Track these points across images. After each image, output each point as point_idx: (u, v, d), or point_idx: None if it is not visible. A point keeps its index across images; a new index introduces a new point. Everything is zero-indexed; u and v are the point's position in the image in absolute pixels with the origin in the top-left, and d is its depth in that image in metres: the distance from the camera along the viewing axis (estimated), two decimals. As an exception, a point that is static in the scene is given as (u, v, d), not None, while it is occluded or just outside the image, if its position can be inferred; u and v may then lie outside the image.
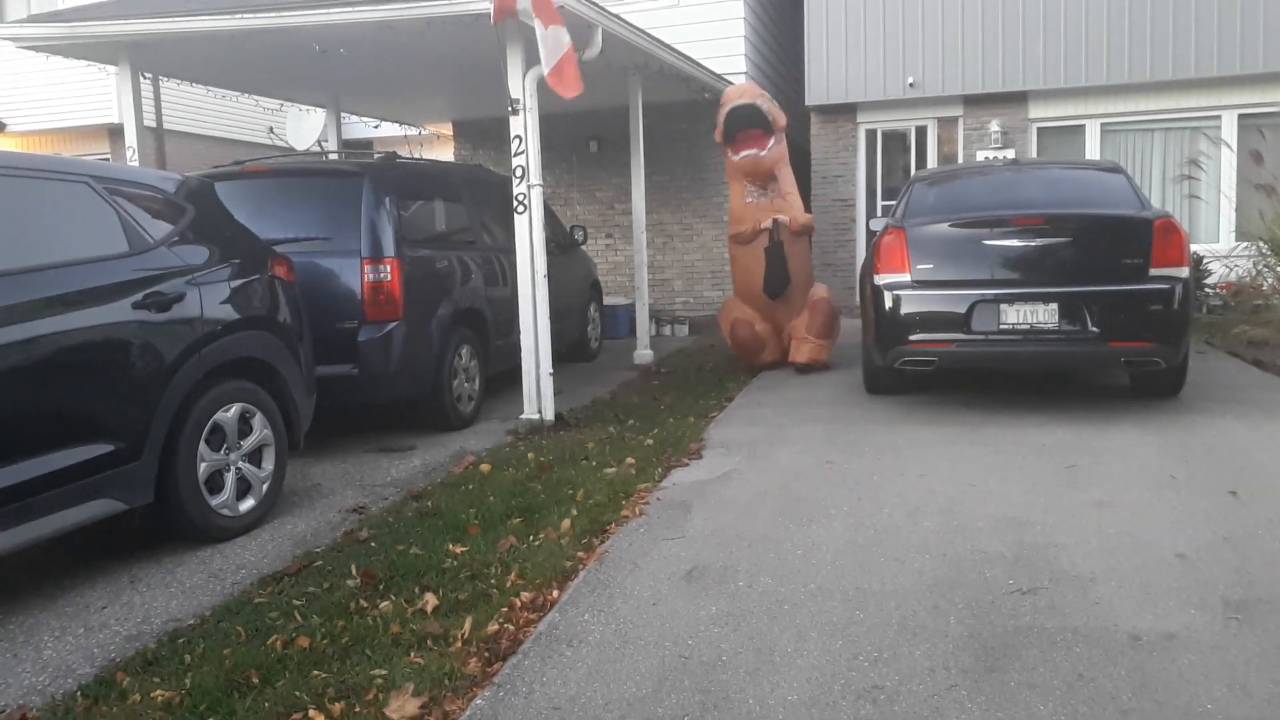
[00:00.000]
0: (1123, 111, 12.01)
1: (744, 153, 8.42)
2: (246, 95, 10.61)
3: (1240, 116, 11.68)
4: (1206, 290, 11.15)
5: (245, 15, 6.94)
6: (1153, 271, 6.07)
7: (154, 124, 13.62)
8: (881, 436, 5.94)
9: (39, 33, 7.57)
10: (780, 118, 8.46)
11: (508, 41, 6.58)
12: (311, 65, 8.40)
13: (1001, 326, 6.18)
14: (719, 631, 3.26)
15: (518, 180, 6.73)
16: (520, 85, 6.64)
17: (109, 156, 14.49)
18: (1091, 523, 4.20)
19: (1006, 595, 3.47)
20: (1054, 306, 6.09)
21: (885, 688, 2.83)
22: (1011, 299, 6.16)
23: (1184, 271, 6.11)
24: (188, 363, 4.30)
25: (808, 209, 14.93)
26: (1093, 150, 12.13)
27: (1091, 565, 3.71)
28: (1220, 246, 11.48)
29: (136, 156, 7.85)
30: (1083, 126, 12.21)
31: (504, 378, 7.70)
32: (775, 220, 8.37)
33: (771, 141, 8.38)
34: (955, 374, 7.38)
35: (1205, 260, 11.01)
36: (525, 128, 6.66)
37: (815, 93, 12.81)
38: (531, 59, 6.75)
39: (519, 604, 3.56)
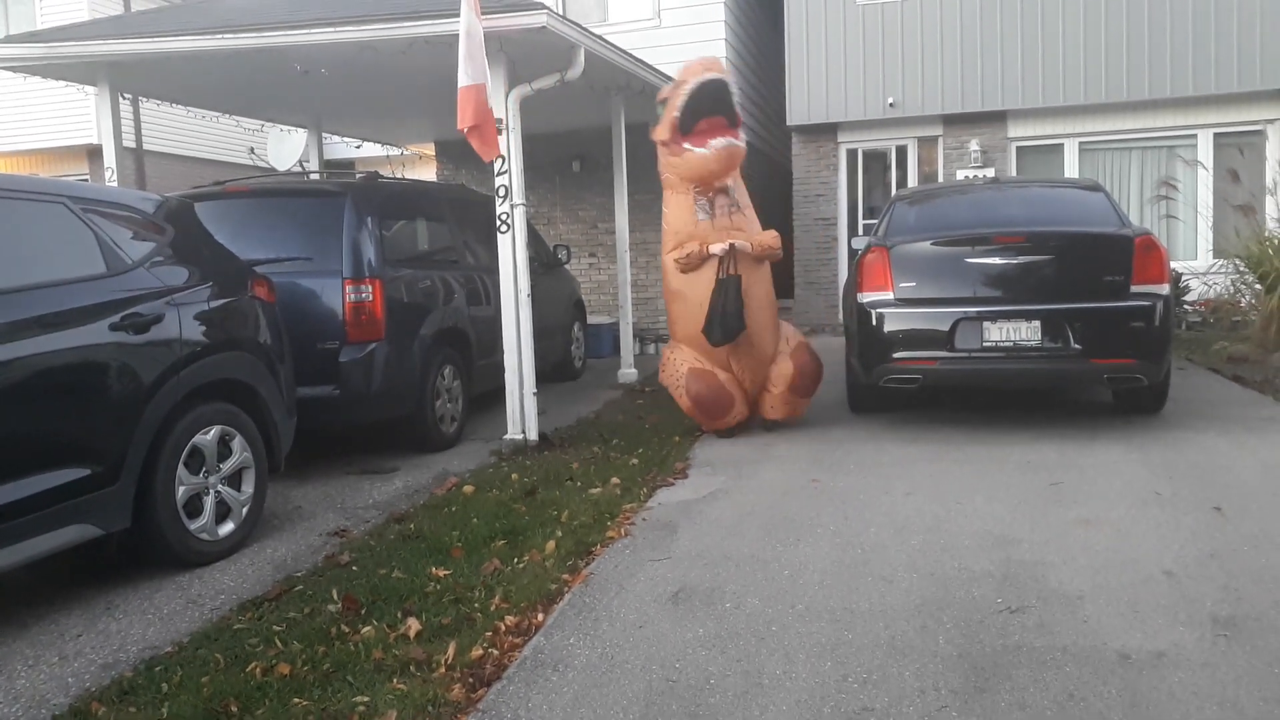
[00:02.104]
0: (1101, 131, 12.15)
1: (716, 141, 6.24)
2: (227, 116, 10.56)
3: (1215, 135, 11.83)
4: (1186, 307, 11.25)
5: (226, 35, 6.91)
6: (1134, 288, 6.10)
7: (133, 144, 13.57)
8: (867, 454, 5.93)
9: (16, 53, 7.51)
10: (739, 109, 6.52)
11: (490, 62, 6.57)
12: (293, 86, 8.37)
13: (985, 344, 6.19)
14: (706, 654, 3.22)
15: (501, 199, 6.71)
16: (503, 105, 6.63)
17: (88, 177, 14.40)
18: (1078, 540, 4.19)
19: (995, 614, 3.45)
20: (1036, 324, 6.11)
21: (875, 709, 2.80)
22: (994, 316, 6.18)
23: (1165, 288, 6.15)
24: (166, 385, 4.24)
25: (786, 229, 15.13)
26: (1071, 169, 12.25)
27: (1079, 583, 3.70)
28: (1198, 264, 11.59)
29: (115, 177, 7.79)
30: (1061, 145, 12.34)
31: (487, 398, 7.65)
32: (733, 244, 6.27)
33: (742, 135, 6.47)
34: (940, 392, 7.39)
35: (1184, 278, 11.11)
36: (508, 147, 6.65)
37: (796, 113, 12.88)
38: (515, 79, 6.76)
39: (503, 628, 3.52)
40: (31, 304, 3.77)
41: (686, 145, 6.25)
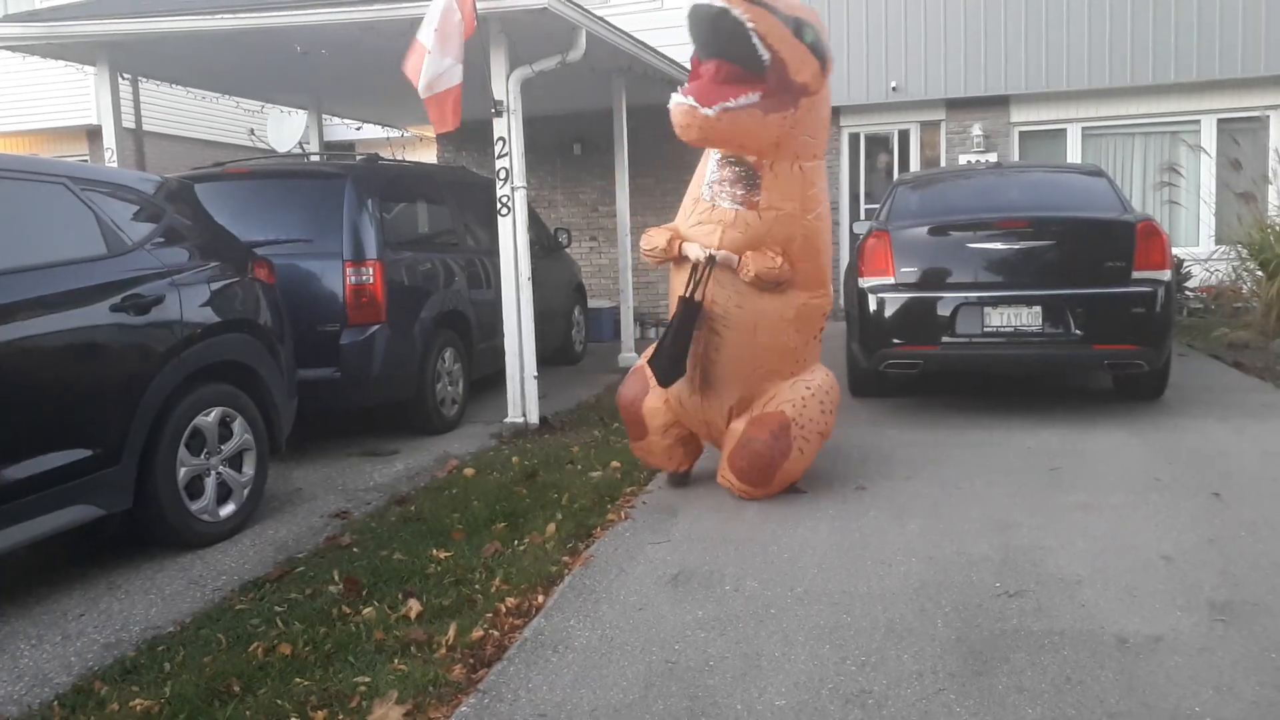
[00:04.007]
0: (1104, 116, 12.10)
1: (677, 95, 4.10)
2: (227, 96, 10.52)
3: (1219, 121, 11.79)
4: (1187, 293, 11.24)
5: (226, 15, 6.87)
6: (1135, 274, 6.10)
7: (133, 125, 13.50)
8: (866, 439, 5.93)
9: (16, 32, 7.47)
10: (794, 57, 4.13)
11: (491, 44, 6.56)
12: (293, 66, 8.33)
13: (986, 329, 6.19)
14: (705, 636, 3.23)
15: (501, 182, 6.69)
16: (504, 87, 6.61)
17: (88, 158, 14.34)
18: (1077, 525, 4.20)
19: (993, 598, 3.46)
20: (1038, 309, 6.11)
21: (873, 692, 2.82)
22: (995, 302, 6.18)
23: (1166, 274, 6.14)
24: (167, 366, 4.24)
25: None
26: (1074, 154, 12.21)
27: (1078, 568, 3.71)
28: (1200, 250, 11.56)
29: (115, 158, 7.76)
30: (1064, 130, 12.29)
31: (488, 381, 7.65)
32: (710, 256, 4.37)
33: (746, 96, 4.07)
34: (940, 377, 7.39)
35: (1185, 264, 11.09)
36: (509, 130, 6.63)
37: (799, 96, 12.81)
38: (515, 61, 6.73)
39: (504, 609, 3.53)
40: (32, 285, 3.76)
41: (682, 90, 4.12)
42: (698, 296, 4.42)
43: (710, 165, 4.52)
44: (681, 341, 4.47)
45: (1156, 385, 6.62)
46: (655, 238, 4.63)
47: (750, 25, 3.94)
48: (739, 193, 4.38)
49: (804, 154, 4.43)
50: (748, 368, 4.61)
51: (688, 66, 4.47)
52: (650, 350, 4.77)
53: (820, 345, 4.87)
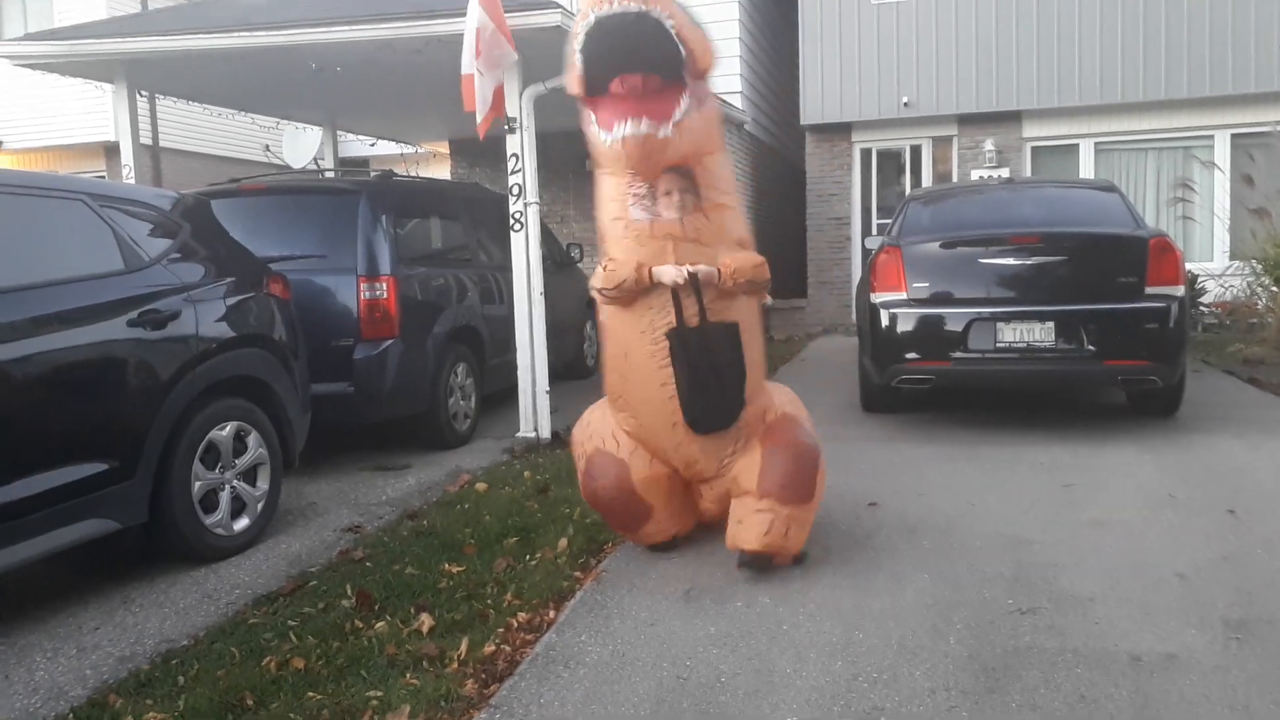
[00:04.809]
0: (1116, 131, 12.10)
1: (621, 126, 3.59)
2: (243, 113, 10.62)
3: (1233, 136, 11.78)
4: (1202, 309, 11.20)
5: (242, 34, 6.95)
6: (1149, 290, 6.09)
7: (150, 141, 13.65)
8: (879, 455, 5.93)
9: (37, 50, 7.57)
10: (700, 46, 3.71)
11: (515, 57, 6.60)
12: (308, 83, 8.41)
13: (998, 345, 6.18)
14: (717, 652, 3.23)
15: (514, 198, 6.73)
16: (517, 104, 6.66)
17: (105, 174, 14.49)
18: (1090, 542, 4.18)
19: (1006, 615, 3.45)
20: (1050, 325, 6.10)
21: (885, 709, 2.81)
22: (1008, 317, 6.18)
23: (1180, 290, 6.13)
24: (182, 381, 4.28)
25: (799, 228, 15.06)
26: (1087, 169, 12.21)
27: (1091, 585, 3.69)
28: (1214, 265, 11.53)
29: (133, 174, 7.84)
30: (1077, 146, 12.30)
31: (500, 396, 7.67)
32: (691, 273, 3.76)
33: (684, 101, 3.65)
34: (952, 392, 7.37)
35: (1200, 279, 11.06)
36: (522, 146, 6.68)
37: (810, 112, 12.88)
38: (528, 78, 6.78)
39: (515, 624, 3.54)
40: (51, 300, 3.81)
41: (591, 120, 3.71)
42: (693, 321, 3.77)
43: (613, 182, 3.87)
44: (730, 368, 3.82)
45: (1171, 401, 6.59)
46: (621, 270, 3.77)
47: (670, 23, 3.53)
48: (676, 197, 3.79)
49: (721, 143, 4.02)
50: (749, 373, 4.00)
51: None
52: (592, 423, 4.20)
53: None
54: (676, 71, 3.62)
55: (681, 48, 3.59)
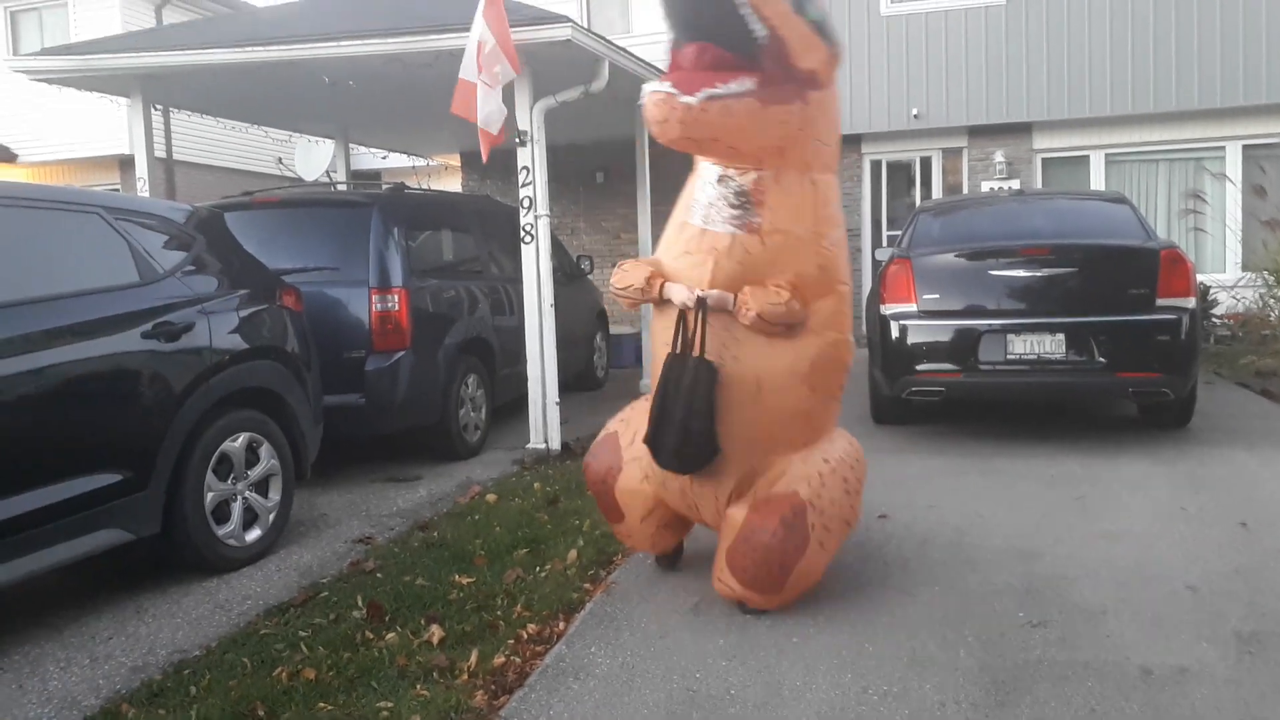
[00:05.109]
0: (1127, 142, 12.08)
1: (707, 90, 3.21)
2: (256, 126, 10.70)
3: (1245, 147, 11.75)
4: (1214, 321, 11.15)
5: (256, 48, 7.01)
6: (1160, 302, 6.07)
7: (164, 155, 13.75)
8: (889, 467, 5.91)
9: (53, 65, 7.65)
10: (797, 37, 3.28)
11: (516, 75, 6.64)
12: (321, 97, 8.47)
13: (1009, 357, 6.18)
14: (727, 665, 3.23)
15: (525, 211, 6.77)
16: (528, 118, 6.70)
17: (119, 187, 14.62)
18: (1101, 554, 4.17)
19: (1017, 628, 3.44)
20: (1061, 337, 6.09)
21: (895, 722, 2.81)
22: (1018, 329, 6.17)
23: (1191, 302, 6.12)
24: (196, 392, 4.31)
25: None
26: (1098, 181, 12.19)
27: (1102, 597, 3.68)
28: (1226, 277, 11.49)
29: (147, 187, 7.90)
30: (1087, 157, 12.29)
31: (510, 407, 7.69)
32: (700, 299, 3.44)
33: (736, 83, 3.23)
34: (964, 404, 7.36)
35: (1212, 291, 11.02)
36: (533, 159, 6.71)
37: (820, 124, 12.87)
38: (539, 92, 6.82)
39: (525, 636, 3.54)
40: (67, 312, 3.85)
41: (663, 79, 3.32)
42: (696, 348, 3.43)
43: (700, 183, 3.57)
44: (701, 413, 3.43)
45: (1182, 413, 6.57)
46: (630, 274, 3.59)
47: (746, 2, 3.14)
48: (735, 213, 3.41)
49: (816, 164, 3.54)
50: (749, 439, 3.54)
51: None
52: (631, 416, 3.95)
53: (840, 406, 3.86)
54: (748, 50, 3.21)
55: (757, 26, 3.18)
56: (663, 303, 3.58)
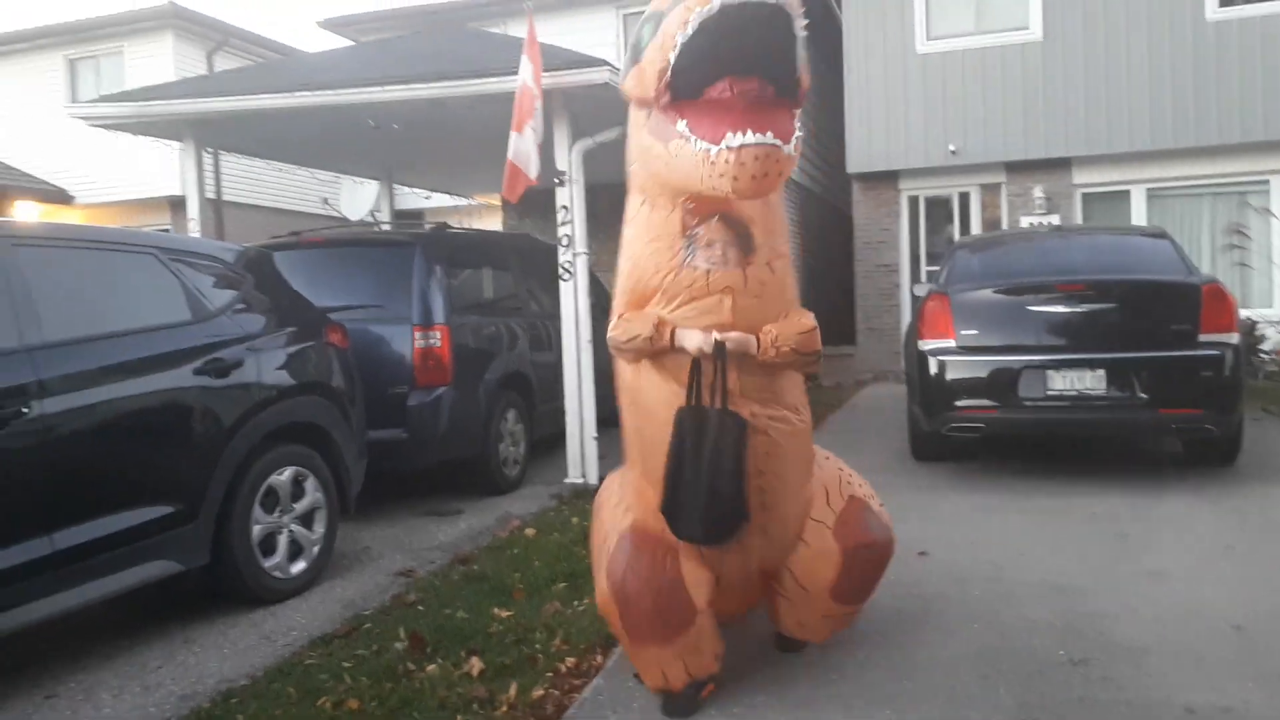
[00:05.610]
0: (1169, 177, 11.97)
1: (744, 139, 2.67)
2: (303, 168, 10.96)
3: (1289, 181, 11.60)
4: (1262, 356, 10.96)
5: (305, 93, 7.23)
6: (1202, 337, 6.01)
7: (213, 195, 14.11)
8: (928, 503, 5.89)
9: (111, 111, 7.94)
10: (805, 65, 2.85)
11: (555, 118, 6.79)
12: (366, 139, 8.69)
13: (1049, 392, 6.14)
14: (765, 700, 3.24)
15: (563, 249, 6.88)
16: (567, 158, 6.84)
17: (170, 227, 15.01)
18: (1144, 593, 4.13)
19: (1057, 666, 3.41)
20: (1101, 373, 6.05)
21: (934, 759, 2.80)
22: (1058, 365, 6.14)
23: (1234, 337, 6.05)
24: (245, 427, 4.42)
25: (847, 275, 15.03)
26: (1139, 216, 12.08)
27: (1144, 636, 3.64)
28: (1273, 313, 11.32)
29: (198, 228, 8.14)
30: (1128, 192, 12.19)
31: (549, 442, 7.76)
32: (721, 342, 3.00)
33: (798, 123, 2.85)
34: (1004, 441, 7.31)
35: (1259, 326, 10.85)
36: (571, 198, 6.84)
37: (856, 161, 12.95)
38: (578, 133, 6.95)
39: (564, 669, 3.58)
40: (124, 349, 3.99)
41: (682, 126, 2.81)
42: (716, 403, 3.01)
43: (662, 218, 3.09)
44: (729, 476, 2.97)
45: (1228, 451, 6.47)
46: (635, 324, 3.08)
47: (801, 30, 2.77)
48: (734, 249, 3.04)
49: None
50: (792, 472, 3.20)
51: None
52: (620, 484, 3.42)
53: None
54: (792, 88, 2.85)
55: (800, 63, 2.83)
56: (672, 352, 3.06)
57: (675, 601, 3.11)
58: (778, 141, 2.72)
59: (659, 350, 3.07)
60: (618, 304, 3.21)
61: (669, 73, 2.77)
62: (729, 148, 2.70)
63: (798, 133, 2.82)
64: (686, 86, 2.78)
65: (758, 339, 3.02)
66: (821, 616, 3.37)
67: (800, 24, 2.77)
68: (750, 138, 2.70)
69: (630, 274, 3.19)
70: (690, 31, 2.69)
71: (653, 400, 3.14)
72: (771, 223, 3.14)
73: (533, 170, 6.11)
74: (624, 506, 3.33)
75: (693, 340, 3.01)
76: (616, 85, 6.68)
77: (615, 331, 3.15)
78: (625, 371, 3.27)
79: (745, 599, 3.48)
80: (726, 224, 3.06)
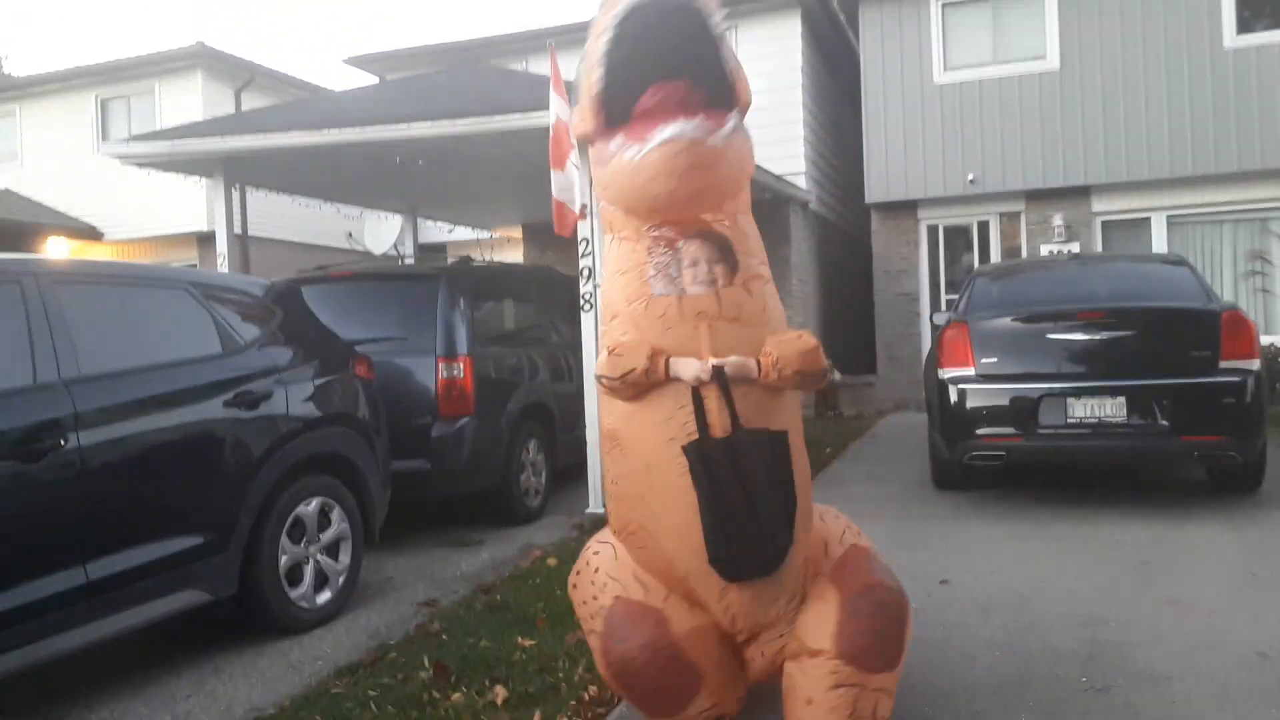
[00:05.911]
0: (1189, 204, 11.96)
1: (663, 131, 2.67)
2: (328, 203, 11.15)
3: (1311, 207, 11.57)
4: (1287, 383, 10.87)
5: (332, 130, 7.40)
6: (1223, 364, 6.01)
7: (240, 231, 14.35)
8: (950, 532, 5.89)
9: (143, 150, 8.14)
10: (739, 71, 2.84)
11: (577, 154, 6.89)
12: (391, 175, 8.86)
13: (1069, 420, 6.14)
14: (786, 726, 3.25)
15: (584, 280, 6.97)
16: (589, 192, 6.93)
17: (197, 263, 15.26)
18: (1167, 620, 4.11)
19: (1080, 693, 3.41)
20: (1122, 400, 6.05)
21: (955, 786, 2.81)
22: (1079, 393, 6.14)
23: (1255, 364, 6.05)
24: (273, 458, 4.50)
25: (867, 304, 15.06)
26: (1159, 243, 12.06)
27: (1168, 663, 3.63)
28: (1298, 338, 11.24)
29: (227, 263, 8.29)
30: (1148, 219, 12.18)
31: (570, 472, 7.81)
32: (719, 367, 2.81)
33: (732, 118, 2.80)
34: (1026, 468, 7.29)
35: (1283, 352, 10.77)
36: (592, 231, 6.94)
37: (875, 190, 13.02)
38: (599, 166, 7.06)
39: (587, 698, 3.60)
40: (158, 382, 4.09)
41: (616, 143, 2.82)
42: (718, 431, 2.81)
43: (629, 249, 2.99)
44: (775, 492, 2.85)
45: (1252, 477, 6.44)
46: (629, 357, 2.86)
47: (716, 26, 2.74)
48: (704, 270, 2.87)
49: (748, 200, 3.11)
50: (804, 500, 2.98)
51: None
52: (618, 574, 3.06)
53: None
54: (722, 91, 2.79)
55: (728, 61, 2.79)
56: (665, 383, 2.87)
57: (678, 673, 2.90)
58: (703, 133, 2.67)
59: (654, 382, 2.87)
60: (605, 342, 3.04)
61: (600, 94, 2.78)
62: (654, 146, 2.68)
63: (732, 122, 2.75)
64: (618, 105, 2.77)
65: (758, 362, 2.85)
66: (832, 688, 2.81)
67: (716, 20, 2.74)
68: (671, 130, 2.67)
69: (607, 310, 3.09)
70: (608, 42, 2.71)
71: (648, 443, 2.89)
72: (744, 243, 2.97)
73: (578, 204, 6.22)
74: (601, 582, 3.07)
75: (689, 370, 2.83)
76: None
77: (606, 368, 2.92)
78: (609, 415, 3.06)
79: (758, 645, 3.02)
80: (707, 241, 2.91)
